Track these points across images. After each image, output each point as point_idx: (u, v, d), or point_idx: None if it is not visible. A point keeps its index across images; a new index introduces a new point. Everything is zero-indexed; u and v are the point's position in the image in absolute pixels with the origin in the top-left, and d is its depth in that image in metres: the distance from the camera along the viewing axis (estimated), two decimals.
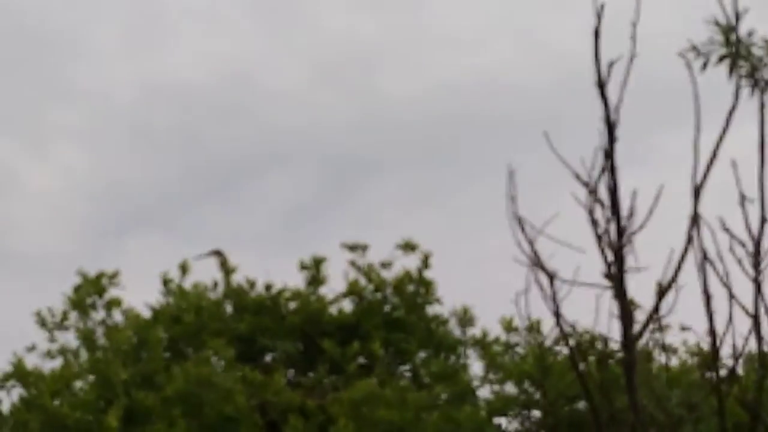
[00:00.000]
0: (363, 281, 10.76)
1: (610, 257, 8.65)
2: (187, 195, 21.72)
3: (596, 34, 8.55)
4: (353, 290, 10.74)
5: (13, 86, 21.09)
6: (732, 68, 8.05)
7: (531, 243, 8.85)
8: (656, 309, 8.80)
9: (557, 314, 8.86)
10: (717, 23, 8.09)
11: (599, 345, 9.21)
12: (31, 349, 10.35)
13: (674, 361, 9.71)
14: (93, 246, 21.13)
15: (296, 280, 11.01)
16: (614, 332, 8.89)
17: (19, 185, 21.95)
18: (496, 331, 10.64)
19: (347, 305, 10.79)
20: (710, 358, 9.19)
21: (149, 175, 21.69)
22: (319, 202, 21.43)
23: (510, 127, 20.18)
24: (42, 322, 10.45)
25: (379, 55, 21.57)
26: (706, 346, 10.32)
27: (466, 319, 10.69)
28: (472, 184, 20.44)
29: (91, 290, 10.41)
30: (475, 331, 10.69)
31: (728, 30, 8.10)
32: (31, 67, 21.52)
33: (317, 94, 21.43)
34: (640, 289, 8.94)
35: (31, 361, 10.21)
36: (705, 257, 8.34)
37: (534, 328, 10.12)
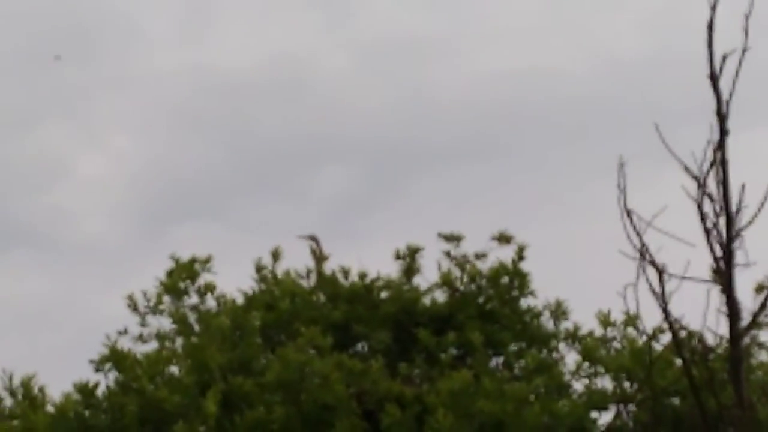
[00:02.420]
0: (456, 272, 11.02)
1: (719, 252, 8.85)
2: (237, 183, 22.13)
3: (710, 27, 8.79)
4: (446, 281, 10.98)
5: (64, 74, 21.51)
6: None
7: (640, 236, 9.07)
8: (765, 305, 8.99)
9: (665, 309, 9.08)
10: None
11: (695, 341, 9.43)
12: (123, 333, 10.63)
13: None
14: (144, 233, 21.62)
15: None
16: (718, 328, 9.11)
17: (71, 173, 22.44)
18: (588, 324, 10.90)
19: (439, 296, 11.05)
20: None
21: (200, 163, 22.13)
22: (369, 193, 21.87)
23: (557, 121, 20.63)
24: (134, 306, 10.75)
25: (430, 47, 22.02)
26: None
27: (559, 312, 10.91)
28: (521, 178, 20.88)
29: (183, 275, 10.70)
30: (568, 325, 10.94)
31: None
32: (83, 54, 21.96)
33: (366, 84, 21.86)
34: (747, 285, 9.13)
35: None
36: None
37: (631, 322, 10.38)
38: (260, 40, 22.40)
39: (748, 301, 9.01)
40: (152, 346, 10.65)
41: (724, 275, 8.97)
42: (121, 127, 22.52)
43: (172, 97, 22.25)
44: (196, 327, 10.59)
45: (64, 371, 10.73)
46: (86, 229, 22.10)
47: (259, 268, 11.07)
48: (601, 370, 10.34)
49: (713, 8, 8.60)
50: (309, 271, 11.16)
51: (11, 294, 18.84)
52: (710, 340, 9.50)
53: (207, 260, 10.81)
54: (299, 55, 22.01)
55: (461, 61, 21.95)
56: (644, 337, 9.99)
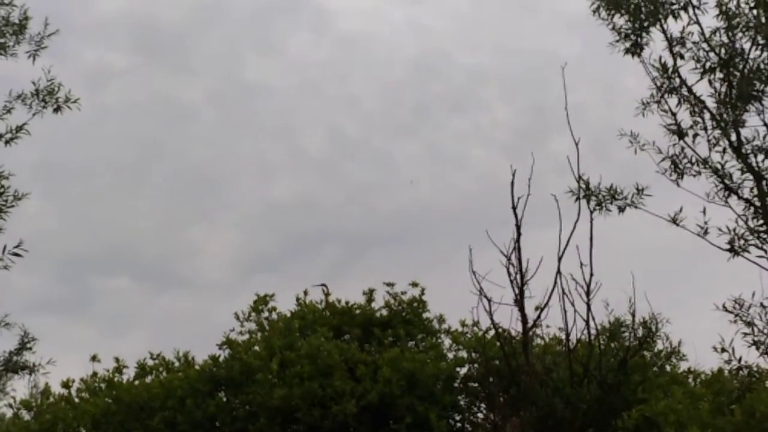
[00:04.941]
0: (392, 300, 22.02)
1: (517, 291, 19.69)
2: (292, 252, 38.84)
3: (512, 184, 19.56)
4: (387, 304, 22.02)
5: None
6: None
7: (479, 282, 19.89)
8: (539, 316, 19.82)
9: (492, 317, 20.04)
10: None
11: (506, 333, 20.27)
12: (233, 330, 21.67)
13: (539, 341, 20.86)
14: (238, 280, 37.99)
15: None
16: (517, 326, 19.93)
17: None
18: (455, 325, 21.87)
19: (384, 311, 22.09)
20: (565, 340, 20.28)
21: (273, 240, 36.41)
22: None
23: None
24: (237, 317, 21.78)
25: None
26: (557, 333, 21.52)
27: (441, 319, 21.94)
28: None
29: (260, 302, 21.72)
30: (446, 326, 21.95)
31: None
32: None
33: None
34: (530, 306, 19.93)
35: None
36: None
37: (475, 324, 21.31)
38: None
39: (531, 314, 19.97)
40: (246, 336, 21.68)
41: (519, 302, 19.92)
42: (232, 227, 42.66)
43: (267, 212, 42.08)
44: (267, 327, 21.57)
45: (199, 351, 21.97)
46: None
47: (298, 299, 22.07)
48: (461, 347, 21.30)
49: (513, 175, 19.42)
50: (321, 300, 22.16)
51: None
52: (513, 333, 20.38)
53: (271, 295, 21.87)
54: None
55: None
56: (481, 332, 20.92)
